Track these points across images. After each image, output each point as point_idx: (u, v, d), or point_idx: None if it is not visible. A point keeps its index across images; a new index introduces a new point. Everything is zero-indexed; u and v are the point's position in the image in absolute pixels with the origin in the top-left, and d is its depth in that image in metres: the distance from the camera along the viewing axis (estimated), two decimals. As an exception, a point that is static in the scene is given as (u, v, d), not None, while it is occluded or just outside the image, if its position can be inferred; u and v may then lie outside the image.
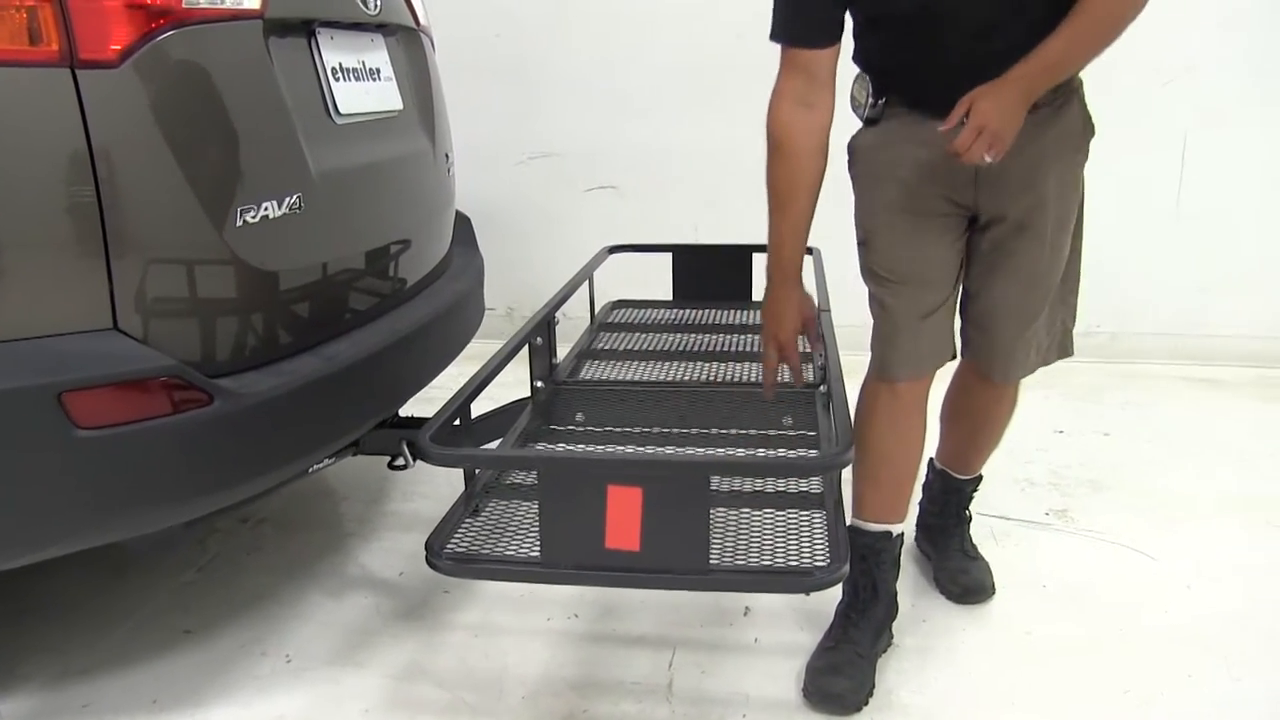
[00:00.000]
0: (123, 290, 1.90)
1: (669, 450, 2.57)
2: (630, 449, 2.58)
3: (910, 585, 2.87)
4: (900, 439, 2.52)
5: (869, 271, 2.49)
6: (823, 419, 2.66)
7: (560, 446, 2.61)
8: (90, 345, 1.87)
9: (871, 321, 2.52)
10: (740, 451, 2.59)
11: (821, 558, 1.99)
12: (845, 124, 2.45)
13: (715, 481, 2.23)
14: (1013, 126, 2.04)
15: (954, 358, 2.60)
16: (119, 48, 1.84)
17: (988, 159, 2.03)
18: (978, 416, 2.77)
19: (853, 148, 2.51)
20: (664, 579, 1.87)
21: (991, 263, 2.44)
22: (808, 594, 2.59)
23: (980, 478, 2.93)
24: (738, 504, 2.25)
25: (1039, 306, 2.48)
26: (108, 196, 1.85)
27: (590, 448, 2.59)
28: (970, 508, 2.96)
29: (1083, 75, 2.47)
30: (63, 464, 1.85)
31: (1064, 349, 2.64)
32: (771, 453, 2.58)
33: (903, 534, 2.61)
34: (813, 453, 2.52)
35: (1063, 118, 2.33)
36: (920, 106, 2.32)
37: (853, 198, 2.52)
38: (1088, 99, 2.42)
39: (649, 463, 1.99)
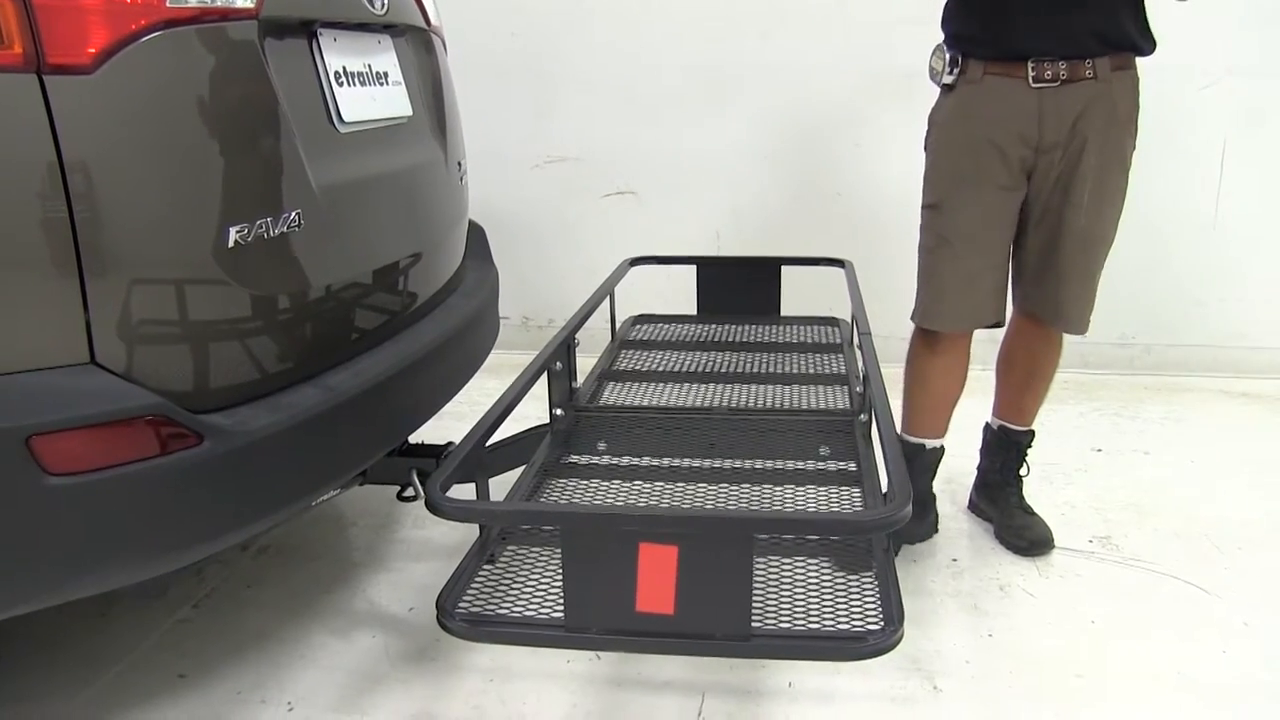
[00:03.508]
0: (101, 320, 1.71)
1: (700, 488, 2.39)
2: (658, 485, 2.40)
3: (949, 621, 2.74)
4: (945, 374, 3.00)
5: (934, 233, 2.86)
6: (862, 449, 2.49)
7: (581, 484, 2.43)
8: (64, 382, 1.68)
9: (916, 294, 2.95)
10: (776, 490, 2.40)
11: (874, 618, 1.81)
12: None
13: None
14: None
15: (998, 324, 2.94)
16: (94, 51, 1.65)
17: None
18: (1033, 363, 3.11)
19: (932, 121, 2.89)
20: (702, 645, 1.70)
21: (1039, 226, 2.83)
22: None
23: (1033, 432, 3.21)
24: (776, 552, 2.06)
25: (1082, 267, 2.85)
26: (82, 217, 1.65)
27: (615, 485, 2.41)
28: (1026, 461, 3.24)
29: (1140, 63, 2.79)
30: (32, 514, 1.66)
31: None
32: (809, 489, 2.39)
33: (939, 448, 3.10)
34: (855, 491, 2.34)
35: (1113, 94, 2.71)
36: (1001, 54, 2.70)
37: (925, 166, 2.90)
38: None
39: (686, 518, 1.80)
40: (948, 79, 2.79)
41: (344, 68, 2.33)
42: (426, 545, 3.18)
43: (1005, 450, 3.21)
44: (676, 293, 3.63)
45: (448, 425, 2.71)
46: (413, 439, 2.69)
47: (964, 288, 2.84)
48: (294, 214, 2.03)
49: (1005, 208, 2.80)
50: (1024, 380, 3.13)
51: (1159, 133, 4.50)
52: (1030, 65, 2.66)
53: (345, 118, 2.29)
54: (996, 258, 2.84)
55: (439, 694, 2.46)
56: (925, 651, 2.59)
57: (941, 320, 2.89)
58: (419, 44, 2.80)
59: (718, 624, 1.66)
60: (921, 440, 3.07)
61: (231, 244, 1.89)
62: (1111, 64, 2.68)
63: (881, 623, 1.79)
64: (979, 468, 3.32)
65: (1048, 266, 2.86)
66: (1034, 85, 2.67)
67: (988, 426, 3.27)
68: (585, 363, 2.96)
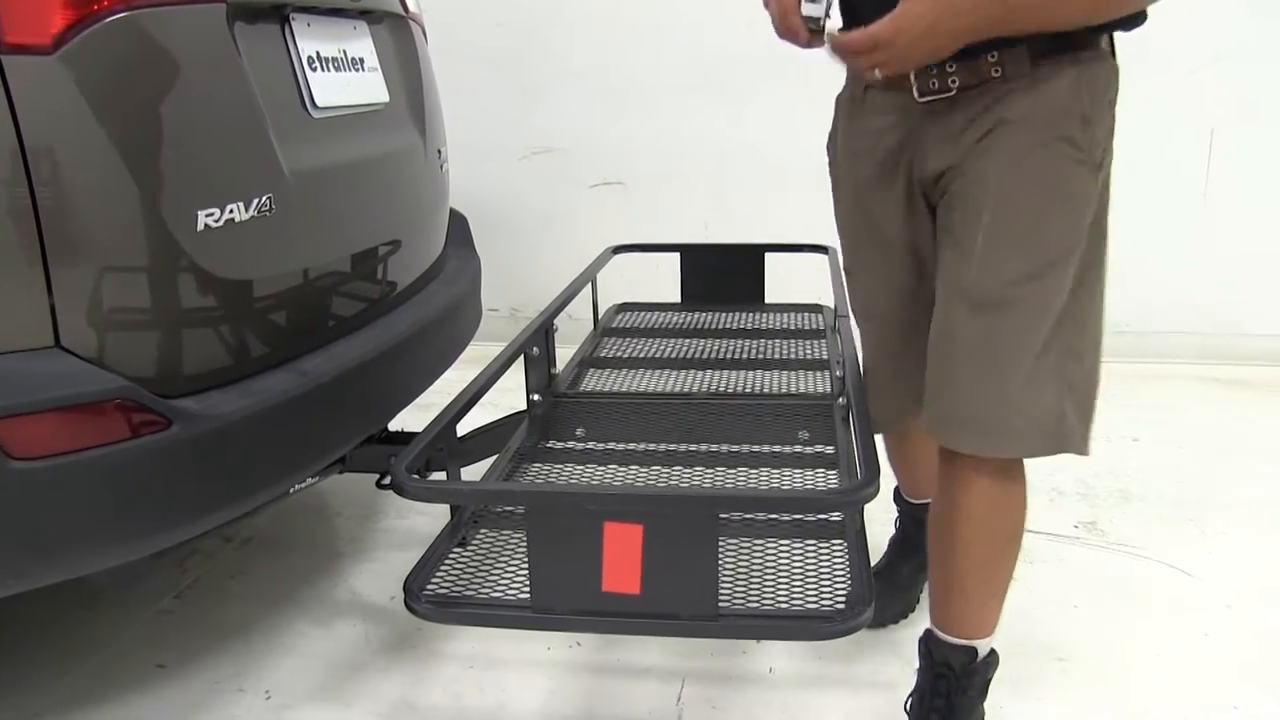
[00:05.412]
0: (66, 303, 1.70)
1: (675, 471, 2.38)
2: (633, 469, 2.39)
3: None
4: (913, 468, 2.56)
5: (853, 307, 2.28)
6: (841, 433, 2.48)
7: (556, 469, 2.42)
8: (28, 365, 1.67)
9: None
10: (752, 473, 2.39)
11: (844, 598, 1.80)
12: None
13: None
14: (917, 51, 1.68)
15: None
16: (55, 31, 1.64)
17: (876, 74, 1.74)
18: (955, 525, 1.97)
19: (828, 153, 2.20)
20: (668, 625, 1.69)
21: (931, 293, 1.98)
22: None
23: (992, 657, 2.07)
24: (748, 534, 2.05)
25: (975, 345, 1.85)
26: (46, 200, 1.65)
27: (590, 469, 2.40)
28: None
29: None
30: (-4, 499, 1.66)
31: (1058, 437, 1.89)
32: (786, 472, 2.39)
33: None
34: (832, 474, 2.33)
35: (1037, 93, 1.78)
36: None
37: None
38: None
39: (650, 497, 1.79)
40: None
41: (318, 53, 2.32)
42: (410, 535, 3.17)
43: (937, 674, 2.06)
44: (662, 282, 3.62)
45: (431, 416, 2.70)
46: (394, 427, 2.69)
47: (890, 373, 2.17)
48: (265, 198, 2.02)
49: (906, 269, 2.06)
50: (943, 554, 2.03)
51: (1146, 118, 4.53)
52: (913, 73, 1.84)
53: (319, 103, 2.28)
54: (909, 320, 2.07)
55: (418, 681, 2.46)
56: (906, 636, 2.57)
57: (886, 420, 2.21)
58: (397, 31, 2.79)
59: (684, 603, 1.64)
60: (925, 500, 2.43)
61: (200, 227, 1.88)
62: (1031, 55, 1.77)
63: (851, 601, 1.78)
64: (915, 685, 2.16)
65: (932, 348, 1.93)
66: (921, 100, 1.86)
67: (922, 641, 2.15)
68: (569, 354, 2.96)
